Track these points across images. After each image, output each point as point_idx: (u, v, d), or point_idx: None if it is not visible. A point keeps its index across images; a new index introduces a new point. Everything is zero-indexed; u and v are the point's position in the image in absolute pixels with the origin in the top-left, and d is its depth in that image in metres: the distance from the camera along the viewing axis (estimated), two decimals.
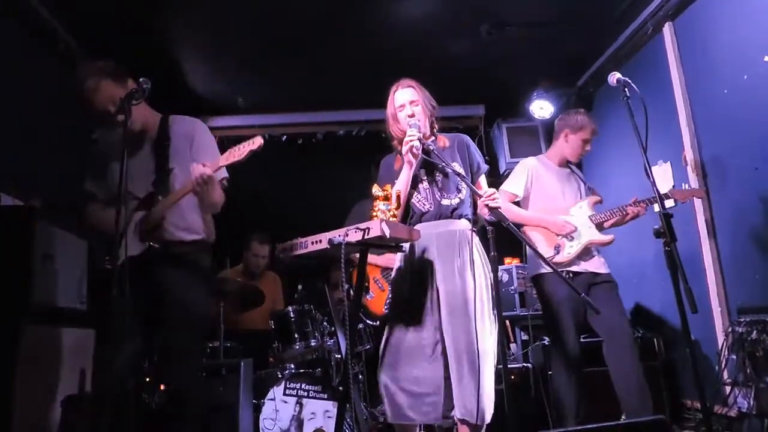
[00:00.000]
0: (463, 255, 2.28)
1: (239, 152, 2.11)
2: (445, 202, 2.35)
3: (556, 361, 2.96)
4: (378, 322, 3.70)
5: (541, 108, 4.69)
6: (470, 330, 2.17)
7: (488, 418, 2.14)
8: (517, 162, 4.76)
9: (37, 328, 2.39)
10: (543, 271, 3.00)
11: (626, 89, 2.19)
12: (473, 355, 2.14)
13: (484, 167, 2.47)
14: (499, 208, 2.13)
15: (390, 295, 2.44)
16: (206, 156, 2.25)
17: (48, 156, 3.37)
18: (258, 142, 2.07)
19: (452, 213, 2.35)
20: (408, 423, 2.23)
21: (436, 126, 2.46)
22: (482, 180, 2.46)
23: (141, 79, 2.04)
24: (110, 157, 2.26)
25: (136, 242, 2.17)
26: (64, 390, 2.49)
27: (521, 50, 4.21)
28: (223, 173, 2.24)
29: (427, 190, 2.38)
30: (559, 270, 2.86)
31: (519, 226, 3.05)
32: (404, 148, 2.23)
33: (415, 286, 2.31)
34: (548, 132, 4.96)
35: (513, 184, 3.18)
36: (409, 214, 2.41)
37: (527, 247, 2.95)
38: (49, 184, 3.23)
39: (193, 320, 2.20)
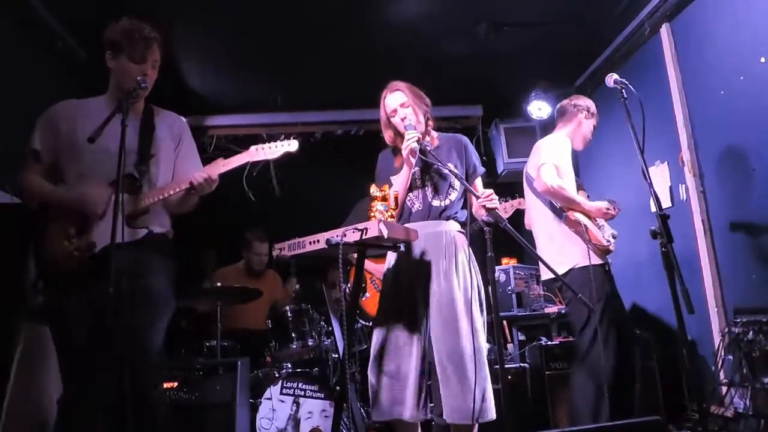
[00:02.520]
0: (450, 257, 2.28)
1: (271, 151, 2.10)
2: (435, 203, 2.35)
3: (610, 358, 2.71)
4: (372, 323, 3.71)
5: (539, 108, 4.70)
6: (457, 330, 2.17)
7: (492, 415, 2.14)
8: (516, 162, 4.84)
9: (33, 326, 2.38)
10: (597, 261, 2.81)
11: (624, 90, 2.20)
12: (460, 357, 2.15)
13: (481, 170, 2.47)
14: (497, 208, 2.13)
15: (380, 296, 2.45)
16: (194, 158, 2.26)
17: None
18: (295, 146, 2.09)
19: (440, 214, 2.35)
20: (390, 419, 2.24)
21: (431, 125, 2.46)
22: (478, 182, 2.46)
23: (138, 78, 2.03)
24: (83, 128, 2.01)
25: (125, 228, 1.88)
26: (60, 388, 2.48)
27: (519, 51, 4.21)
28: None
29: (419, 190, 2.39)
30: (604, 261, 2.81)
31: (563, 209, 2.89)
32: (404, 150, 2.23)
33: (402, 286, 2.32)
34: (546, 132, 4.98)
35: (559, 158, 2.94)
36: (402, 215, 2.41)
37: (552, 241, 2.86)
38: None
39: (163, 315, 2.04)
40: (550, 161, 2.89)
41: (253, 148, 2.16)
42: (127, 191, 1.97)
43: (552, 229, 2.94)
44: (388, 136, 2.43)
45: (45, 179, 2.09)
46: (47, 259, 1.96)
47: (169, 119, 2.31)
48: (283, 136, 5.16)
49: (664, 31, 3.71)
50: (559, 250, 2.89)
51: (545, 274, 3.05)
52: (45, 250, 1.96)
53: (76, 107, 2.22)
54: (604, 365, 2.68)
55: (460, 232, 2.36)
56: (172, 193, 2.06)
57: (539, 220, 3.03)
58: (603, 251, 2.87)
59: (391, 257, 2.40)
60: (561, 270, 2.81)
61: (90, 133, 1.85)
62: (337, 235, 1.97)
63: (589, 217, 2.89)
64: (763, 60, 2.92)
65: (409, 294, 2.30)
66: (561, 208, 2.91)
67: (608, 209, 2.93)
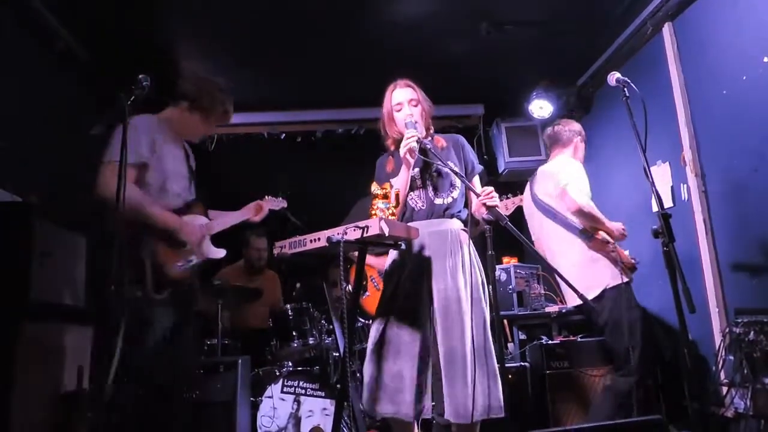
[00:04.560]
0: (456, 255, 2.28)
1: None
2: (437, 201, 2.35)
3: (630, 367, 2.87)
4: (371, 321, 3.71)
5: (541, 108, 4.69)
6: (463, 330, 2.17)
7: (501, 412, 2.14)
8: (517, 161, 4.84)
9: (35, 325, 2.38)
10: (626, 279, 2.92)
11: (625, 89, 2.19)
12: (465, 356, 2.14)
13: (478, 168, 2.48)
14: (497, 206, 2.13)
15: (381, 293, 2.45)
16: None
17: (45, 152, 3.36)
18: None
19: (444, 212, 2.35)
20: (389, 416, 2.24)
21: (432, 127, 2.46)
22: (476, 180, 2.46)
23: (140, 77, 2.03)
24: (165, 162, 2.32)
25: (212, 248, 2.41)
26: (62, 387, 2.49)
27: (520, 49, 4.20)
28: None
29: (421, 189, 2.38)
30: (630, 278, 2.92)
31: (588, 231, 2.96)
32: (402, 149, 2.23)
33: (406, 285, 2.31)
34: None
35: (580, 180, 3.03)
36: (405, 214, 2.41)
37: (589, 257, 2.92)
38: (46, 181, 3.22)
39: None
40: (574, 182, 2.95)
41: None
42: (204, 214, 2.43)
43: (577, 253, 2.99)
44: (391, 129, 2.42)
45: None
46: (152, 269, 2.16)
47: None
48: (284, 134, 5.21)
49: (667, 30, 3.71)
50: (589, 274, 2.95)
51: (573, 301, 3.11)
52: (152, 261, 2.16)
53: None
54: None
55: (464, 230, 2.35)
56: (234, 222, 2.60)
57: (561, 245, 3.05)
58: (629, 269, 2.97)
59: (395, 255, 2.40)
60: (593, 293, 2.91)
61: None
62: (338, 233, 1.97)
63: (610, 236, 2.95)
64: (766, 59, 2.91)
65: (413, 292, 2.29)
66: (586, 229, 2.95)
67: (624, 230, 3.01)
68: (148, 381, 2.10)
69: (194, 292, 2.37)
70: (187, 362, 2.30)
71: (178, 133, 2.42)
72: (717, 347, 3.13)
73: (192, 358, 2.37)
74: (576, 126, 3.22)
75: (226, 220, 2.55)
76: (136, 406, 2.03)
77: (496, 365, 2.17)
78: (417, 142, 2.21)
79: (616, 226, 2.97)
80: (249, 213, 2.72)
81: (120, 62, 3.68)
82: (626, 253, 2.95)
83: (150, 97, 2.28)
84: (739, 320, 2.95)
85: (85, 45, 3.81)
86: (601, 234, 2.93)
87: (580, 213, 2.89)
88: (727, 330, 3.05)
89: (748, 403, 2.85)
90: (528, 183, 3.33)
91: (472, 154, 2.48)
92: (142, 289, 2.07)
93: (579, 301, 2.92)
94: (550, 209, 3.05)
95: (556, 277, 3.15)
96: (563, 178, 2.98)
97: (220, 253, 2.45)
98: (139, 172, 2.24)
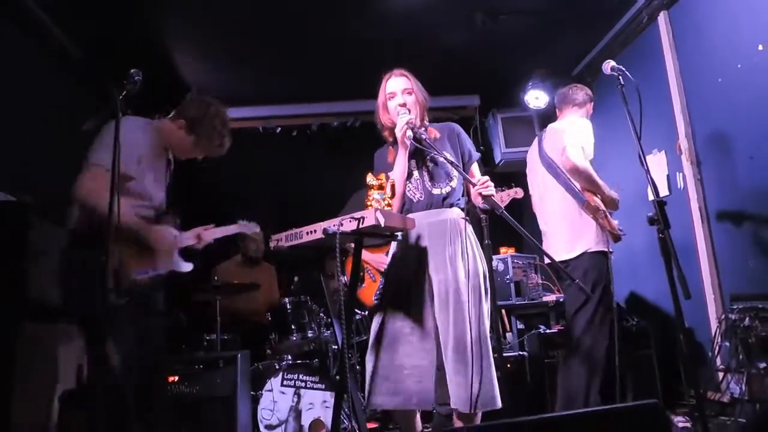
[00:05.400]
0: (455, 244, 2.28)
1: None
2: (435, 191, 2.35)
3: (604, 342, 2.81)
4: (367, 312, 3.72)
5: (537, 98, 4.69)
6: (463, 319, 2.17)
7: (498, 404, 2.14)
8: (513, 152, 4.83)
9: (33, 324, 2.38)
10: (608, 248, 2.89)
11: (621, 77, 2.18)
12: (466, 344, 2.15)
13: (476, 155, 2.47)
14: (493, 196, 2.13)
15: (381, 285, 2.45)
16: None
17: (39, 151, 3.35)
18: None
19: (443, 202, 2.34)
20: (391, 408, 2.26)
21: (427, 118, 2.45)
22: (474, 168, 2.45)
23: (132, 71, 2.01)
24: (150, 171, 2.29)
25: (181, 261, 2.36)
26: (61, 386, 2.49)
27: (516, 40, 4.20)
28: None
29: (418, 180, 2.38)
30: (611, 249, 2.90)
31: (582, 193, 2.93)
32: (398, 133, 2.22)
33: (406, 276, 2.31)
34: (543, 122, 4.98)
35: (586, 140, 2.98)
36: (405, 206, 2.41)
37: (568, 220, 2.91)
38: (41, 180, 3.21)
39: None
40: (577, 142, 2.93)
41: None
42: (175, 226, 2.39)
43: (568, 211, 2.97)
44: (385, 118, 2.41)
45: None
46: (115, 274, 2.11)
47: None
48: (280, 128, 5.20)
49: (662, 18, 3.70)
50: (575, 233, 2.93)
51: (547, 257, 3.08)
52: (119, 268, 2.12)
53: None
54: (598, 349, 2.77)
55: (463, 218, 2.35)
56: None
57: (554, 202, 3.03)
58: (615, 238, 2.94)
59: (395, 246, 2.40)
60: (574, 252, 2.91)
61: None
62: (334, 225, 1.96)
63: (603, 204, 2.94)
64: (761, 47, 2.91)
65: (414, 283, 2.29)
66: (580, 191, 2.94)
67: (618, 200, 2.99)
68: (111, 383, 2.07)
69: (156, 301, 2.30)
70: (148, 370, 2.24)
71: (166, 143, 2.36)
72: (713, 333, 3.15)
73: (154, 367, 2.30)
74: (590, 92, 3.23)
75: (214, 232, 2.56)
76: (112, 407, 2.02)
77: (491, 356, 2.19)
78: (411, 130, 2.21)
79: (612, 194, 2.97)
80: (233, 230, 2.76)
81: (117, 60, 3.66)
82: (615, 223, 2.95)
83: (146, 96, 2.29)
84: (735, 307, 2.97)
85: (81, 44, 3.79)
86: (595, 200, 2.92)
87: (575, 172, 2.89)
88: (722, 316, 3.08)
89: (744, 388, 2.88)
90: (536, 138, 3.29)
91: (468, 142, 2.47)
92: (104, 293, 2.04)
93: (562, 257, 2.91)
94: (554, 165, 3.04)
95: (541, 231, 3.17)
96: (568, 136, 2.97)
97: (187, 266, 2.40)
98: (120, 180, 2.18)
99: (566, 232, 2.95)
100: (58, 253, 2.35)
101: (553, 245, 3.01)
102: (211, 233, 2.55)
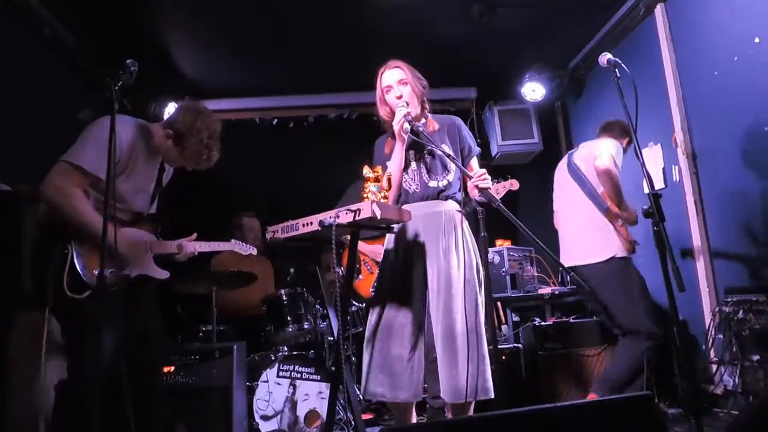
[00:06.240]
0: (449, 236, 2.29)
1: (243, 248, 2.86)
2: (432, 183, 2.35)
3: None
4: (365, 305, 3.73)
5: (533, 90, 4.68)
6: (457, 311, 2.18)
7: (491, 394, 2.16)
8: (510, 144, 4.83)
9: (29, 314, 2.38)
10: (631, 255, 3.11)
11: (617, 69, 2.18)
12: (455, 336, 2.16)
13: (476, 150, 2.47)
14: (490, 188, 2.13)
15: (377, 276, 2.45)
16: None
17: (33, 140, 3.33)
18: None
19: (438, 195, 2.35)
20: (386, 401, 2.27)
21: (427, 107, 2.44)
22: (474, 162, 2.45)
23: (128, 61, 1.99)
24: (134, 173, 2.24)
25: (155, 267, 2.35)
26: (57, 375, 2.50)
27: (513, 32, 4.18)
28: None
29: (415, 172, 2.38)
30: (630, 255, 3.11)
31: (604, 200, 3.13)
32: (395, 125, 2.22)
33: (400, 268, 2.32)
34: (540, 114, 4.98)
35: (617, 157, 3.16)
36: (401, 197, 2.41)
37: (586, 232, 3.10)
38: (33, 171, 3.19)
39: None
40: (611, 154, 3.10)
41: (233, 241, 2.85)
42: (153, 231, 2.39)
43: (593, 219, 3.13)
44: (383, 112, 2.40)
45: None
46: (71, 269, 2.06)
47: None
48: (276, 120, 5.18)
49: (659, 11, 3.69)
50: (603, 237, 3.10)
51: (570, 262, 3.24)
52: (72, 261, 2.07)
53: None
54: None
55: (459, 211, 2.36)
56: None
57: (579, 206, 3.20)
58: (630, 249, 3.12)
59: (390, 239, 2.41)
60: (604, 256, 3.08)
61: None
62: (330, 217, 1.96)
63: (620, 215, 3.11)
64: (757, 40, 2.91)
65: (408, 275, 2.30)
66: (602, 197, 3.11)
67: (637, 216, 3.12)
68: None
69: (116, 302, 2.21)
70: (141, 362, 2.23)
71: (157, 148, 2.31)
72: (707, 326, 3.18)
73: (147, 359, 2.29)
74: (629, 129, 3.32)
75: (201, 245, 2.54)
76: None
77: (486, 347, 2.20)
78: (409, 123, 2.20)
79: (630, 209, 3.12)
80: (224, 247, 2.79)
81: (112, 51, 3.63)
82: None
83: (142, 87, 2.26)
84: (729, 299, 2.99)
85: (76, 33, 3.75)
86: (615, 209, 3.09)
87: (606, 175, 3.04)
88: (716, 309, 3.10)
89: (737, 380, 2.90)
90: (566, 155, 3.48)
91: (469, 137, 2.47)
92: (59, 286, 2.02)
93: (587, 261, 3.11)
94: (581, 175, 3.22)
95: (561, 242, 3.36)
96: (604, 148, 3.15)
97: (163, 274, 2.38)
98: (93, 183, 2.12)
99: (594, 235, 3.11)
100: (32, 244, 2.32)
101: (577, 250, 3.18)
102: (198, 246, 2.52)
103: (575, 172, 3.27)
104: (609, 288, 3.08)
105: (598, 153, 3.12)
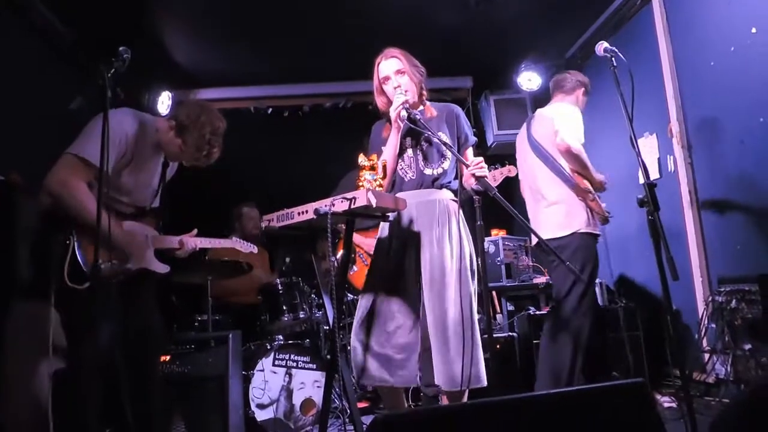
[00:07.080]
0: (443, 225, 2.29)
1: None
2: (427, 171, 2.35)
3: (588, 322, 2.88)
4: (361, 293, 3.73)
5: (529, 80, 4.68)
6: (448, 299, 2.19)
7: (483, 382, 2.17)
8: (506, 134, 4.83)
9: (24, 303, 2.37)
10: (597, 231, 2.97)
11: (613, 59, 2.17)
12: (447, 324, 2.17)
13: (473, 139, 2.46)
14: (486, 177, 2.13)
15: (371, 263, 2.45)
16: None
17: (25, 134, 3.30)
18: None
19: (433, 183, 2.34)
20: (379, 385, 2.29)
21: (425, 94, 2.43)
22: (469, 152, 2.45)
23: (121, 49, 1.97)
24: (138, 167, 2.23)
25: (155, 261, 2.33)
26: (53, 364, 2.49)
27: (509, 21, 4.16)
28: None
29: (411, 159, 2.38)
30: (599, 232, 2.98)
31: (571, 175, 2.97)
32: (392, 113, 2.21)
33: (393, 255, 2.33)
34: (536, 104, 4.96)
35: (576, 125, 3.01)
36: (395, 183, 2.40)
37: (563, 202, 2.95)
38: (26, 160, 3.17)
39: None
40: (570, 126, 2.96)
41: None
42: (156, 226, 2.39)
43: (559, 192, 2.99)
44: (381, 102, 2.39)
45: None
46: (72, 259, 2.07)
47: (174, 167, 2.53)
48: (271, 109, 5.15)
49: (656, 1, 3.68)
50: (566, 213, 2.96)
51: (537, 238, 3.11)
52: (73, 252, 2.07)
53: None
54: (585, 328, 2.84)
55: (454, 200, 2.35)
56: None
57: (544, 183, 3.05)
58: (603, 221, 3.00)
59: (384, 226, 2.40)
60: (564, 232, 2.94)
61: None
62: (325, 205, 1.96)
63: (591, 186, 2.98)
64: (754, 30, 2.91)
65: (401, 262, 2.31)
66: (569, 173, 2.97)
67: (606, 182, 3.02)
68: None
69: (111, 293, 2.21)
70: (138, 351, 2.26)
71: (158, 141, 2.30)
72: (700, 315, 3.20)
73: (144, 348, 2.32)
74: (583, 77, 3.22)
75: (202, 241, 2.56)
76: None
77: (479, 336, 2.21)
78: (406, 110, 2.19)
79: (599, 176, 3.02)
80: (225, 244, 2.84)
81: (106, 38, 3.59)
82: (603, 205, 3.00)
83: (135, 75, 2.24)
84: (722, 289, 3.02)
85: (68, 22, 3.71)
86: (585, 183, 2.97)
87: (569, 154, 2.93)
88: (710, 298, 3.12)
89: (729, 369, 2.94)
90: (525, 123, 3.31)
91: (467, 126, 2.46)
92: (59, 276, 2.03)
93: (553, 234, 2.95)
94: (543, 151, 3.06)
95: (529, 214, 3.20)
96: (558, 121, 3.00)
97: (163, 268, 2.38)
98: (98, 175, 2.05)
99: (557, 212, 2.98)
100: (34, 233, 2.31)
101: (543, 226, 3.02)
102: (199, 242, 2.54)
103: (537, 149, 3.11)
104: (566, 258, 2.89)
105: (557, 127, 2.97)
